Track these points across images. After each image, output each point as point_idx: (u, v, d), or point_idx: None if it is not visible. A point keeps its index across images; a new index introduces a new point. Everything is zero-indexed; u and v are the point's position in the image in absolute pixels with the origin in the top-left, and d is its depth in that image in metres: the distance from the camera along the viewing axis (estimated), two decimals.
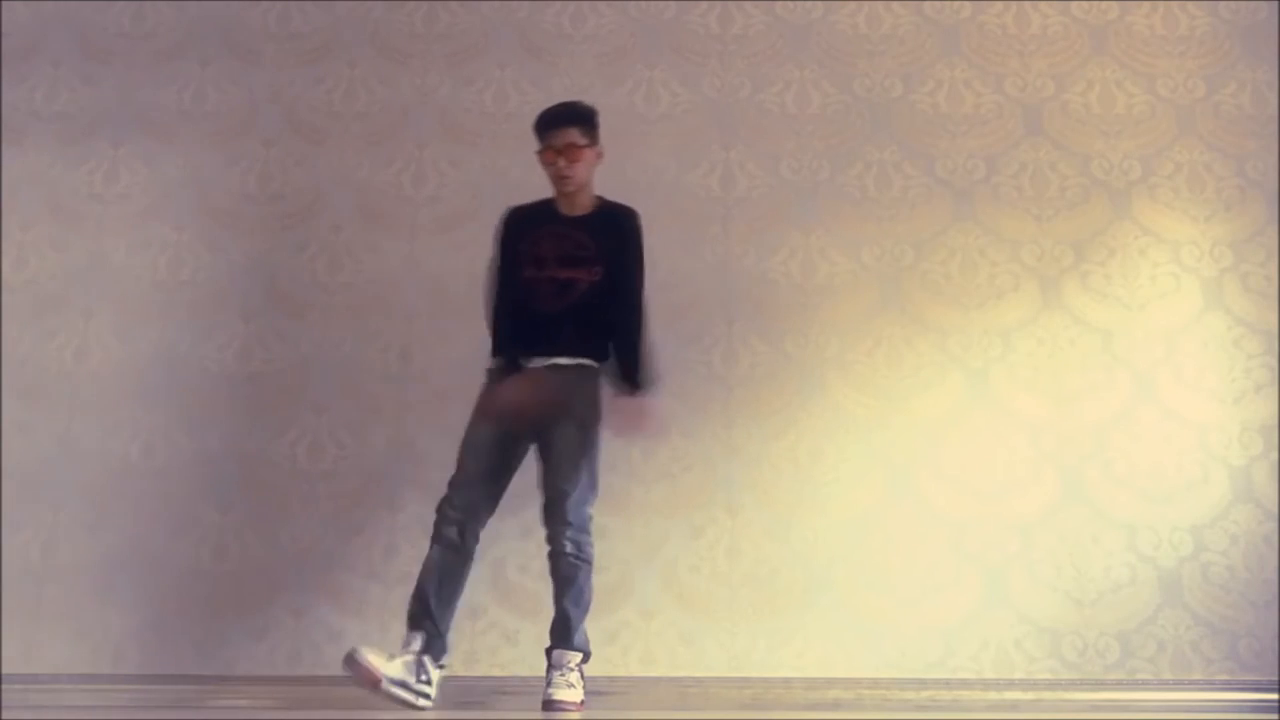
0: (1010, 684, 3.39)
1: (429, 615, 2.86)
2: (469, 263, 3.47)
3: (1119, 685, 3.38)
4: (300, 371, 3.71)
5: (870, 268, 3.76)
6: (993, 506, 3.55)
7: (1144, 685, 3.38)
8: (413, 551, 3.51)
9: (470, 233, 3.71)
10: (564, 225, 3.05)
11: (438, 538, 2.92)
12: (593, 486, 2.96)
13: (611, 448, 3.59)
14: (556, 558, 2.91)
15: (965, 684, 3.38)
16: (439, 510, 2.93)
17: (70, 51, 4.04)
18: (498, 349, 3.05)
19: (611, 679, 3.36)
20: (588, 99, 3.90)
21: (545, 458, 2.98)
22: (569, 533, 2.90)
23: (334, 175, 3.88)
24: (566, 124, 3.07)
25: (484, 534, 3.49)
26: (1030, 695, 3.23)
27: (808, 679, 3.41)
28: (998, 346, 3.68)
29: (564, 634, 2.91)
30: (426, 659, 2.82)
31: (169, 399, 3.70)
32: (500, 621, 3.49)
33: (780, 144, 3.87)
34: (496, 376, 3.02)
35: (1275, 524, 3.50)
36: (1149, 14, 3.97)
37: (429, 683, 2.82)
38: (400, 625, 3.42)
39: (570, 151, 3.04)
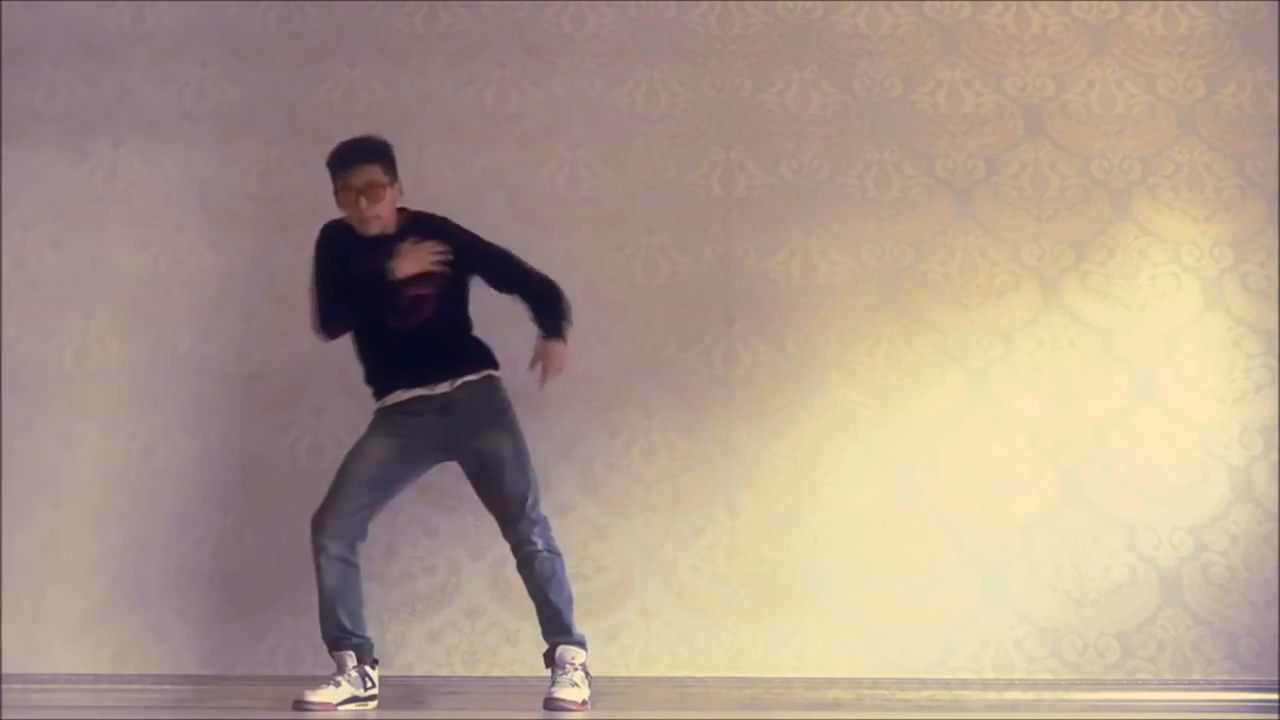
0: (1010, 684, 3.38)
1: (348, 634, 2.92)
2: None
3: (1119, 685, 3.38)
4: (300, 371, 3.71)
5: (870, 268, 3.76)
6: (993, 506, 3.55)
7: (1144, 685, 3.38)
8: (412, 552, 3.52)
9: None
10: (387, 244, 2.98)
11: (329, 555, 2.88)
12: (538, 485, 2.99)
13: (611, 448, 3.63)
14: (531, 558, 2.92)
15: (965, 684, 3.38)
16: (321, 527, 2.90)
17: (70, 51, 4.04)
18: (387, 388, 3.02)
19: (611, 679, 3.36)
20: (588, 99, 3.96)
21: (482, 471, 2.97)
22: (536, 530, 2.93)
23: None
24: (366, 162, 2.95)
25: (484, 534, 3.52)
26: (1030, 695, 3.24)
27: (808, 679, 3.41)
28: (998, 346, 3.68)
29: (560, 627, 2.93)
30: (366, 667, 2.93)
31: (169, 399, 3.70)
32: (500, 621, 3.49)
33: (780, 144, 3.87)
34: (400, 409, 3.00)
35: (1275, 524, 3.50)
36: (1149, 14, 3.96)
37: (373, 684, 2.95)
38: (399, 624, 3.46)
39: (372, 191, 2.94)
